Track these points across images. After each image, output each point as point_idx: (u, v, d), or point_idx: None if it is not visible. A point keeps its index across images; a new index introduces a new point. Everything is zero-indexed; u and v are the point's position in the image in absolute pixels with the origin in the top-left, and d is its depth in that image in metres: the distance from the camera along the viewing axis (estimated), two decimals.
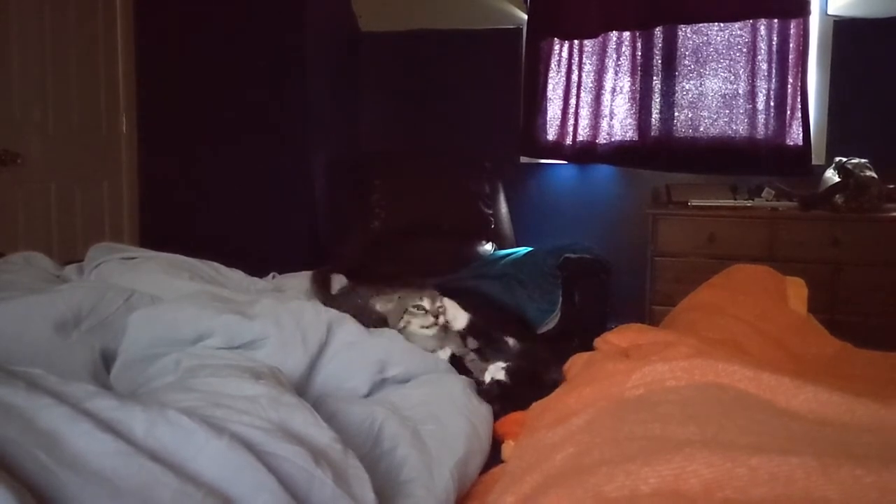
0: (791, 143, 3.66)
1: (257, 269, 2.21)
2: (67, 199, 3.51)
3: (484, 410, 1.39)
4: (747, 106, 3.74)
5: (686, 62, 3.81)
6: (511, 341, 1.69)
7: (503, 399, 1.46)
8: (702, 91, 3.81)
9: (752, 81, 3.71)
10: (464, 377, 1.52)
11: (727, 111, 3.78)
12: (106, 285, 1.63)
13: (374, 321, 1.66)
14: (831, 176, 3.42)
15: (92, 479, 0.72)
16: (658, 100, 3.86)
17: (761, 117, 3.72)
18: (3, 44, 3.12)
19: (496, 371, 1.53)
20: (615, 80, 3.93)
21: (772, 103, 3.69)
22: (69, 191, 3.52)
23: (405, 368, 1.46)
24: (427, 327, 1.66)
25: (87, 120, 3.63)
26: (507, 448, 1.28)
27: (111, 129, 3.79)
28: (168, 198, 3.94)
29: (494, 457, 1.28)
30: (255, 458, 0.82)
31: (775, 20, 3.63)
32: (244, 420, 0.90)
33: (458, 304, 1.79)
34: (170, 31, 3.87)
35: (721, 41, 3.74)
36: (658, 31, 3.82)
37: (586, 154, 4.01)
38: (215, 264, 2.05)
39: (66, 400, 0.79)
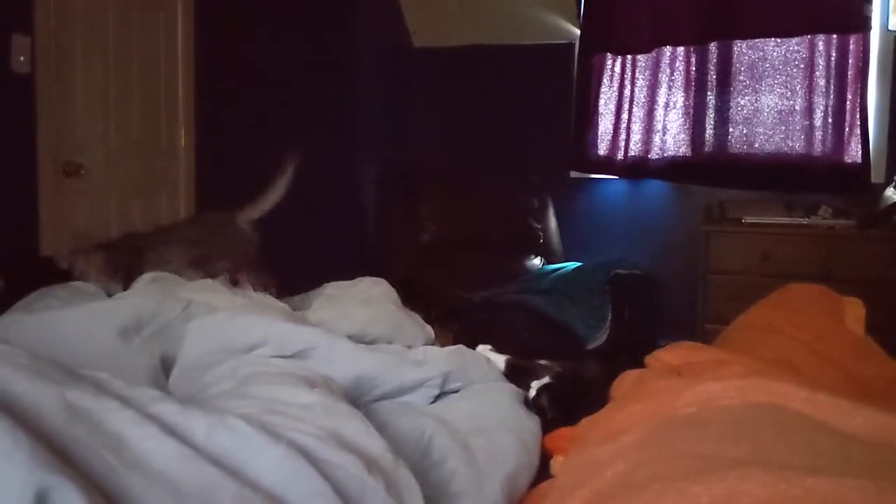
0: (849, 161, 3.58)
1: (307, 279, 2.24)
2: (127, 210, 3.61)
3: (532, 425, 1.39)
4: (804, 122, 3.67)
5: (741, 77, 3.76)
6: (545, 362, 1.70)
7: (553, 403, 1.47)
8: (757, 107, 3.76)
9: (810, 97, 3.64)
10: (512, 387, 1.53)
11: (783, 127, 3.72)
12: (165, 294, 1.68)
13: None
14: (891, 194, 3.35)
15: (155, 480, 0.75)
16: (712, 115, 3.82)
17: (818, 134, 3.65)
18: (69, 61, 3.23)
19: (539, 383, 1.54)
20: (668, 95, 3.90)
21: (829, 120, 3.62)
22: (129, 201, 3.62)
23: (464, 383, 1.48)
24: None
25: (148, 134, 3.73)
26: (557, 463, 1.28)
27: (170, 143, 3.89)
28: (223, 208, 4.02)
29: (543, 472, 1.28)
30: (311, 465, 0.84)
31: (834, 36, 3.56)
32: (299, 427, 0.92)
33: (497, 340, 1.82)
34: (228, 48, 3.97)
35: (777, 57, 3.69)
36: (713, 47, 3.78)
37: (638, 169, 3.99)
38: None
39: (131, 404, 0.82)
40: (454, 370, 1.47)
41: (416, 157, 4.46)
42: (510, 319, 2.97)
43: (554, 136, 4.18)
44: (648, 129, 3.93)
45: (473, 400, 1.45)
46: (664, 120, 3.92)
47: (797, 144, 3.70)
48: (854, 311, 1.75)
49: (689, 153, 3.87)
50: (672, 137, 3.92)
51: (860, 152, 3.54)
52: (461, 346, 1.63)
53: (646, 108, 3.94)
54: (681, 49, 3.85)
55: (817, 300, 1.77)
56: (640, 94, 3.95)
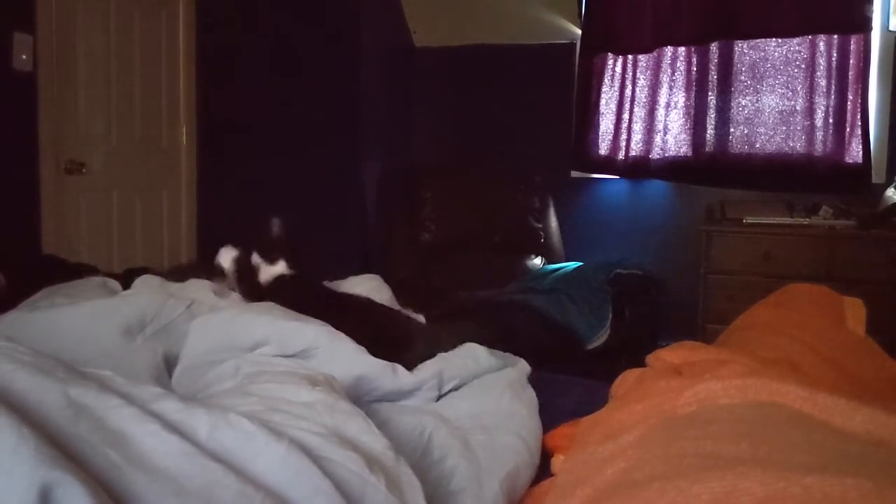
0: (850, 161, 3.59)
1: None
2: (128, 208, 3.62)
3: (533, 424, 1.39)
4: (805, 122, 3.68)
5: (742, 78, 3.77)
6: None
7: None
8: (758, 107, 3.76)
9: (811, 98, 3.65)
10: (511, 380, 1.53)
11: (784, 128, 3.73)
12: (168, 292, 1.68)
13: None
14: (892, 195, 3.35)
15: (158, 477, 0.75)
16: (713, 115, 3.83)
17: (819, 134, 3.65)
18: (71, 59, 3.24)
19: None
20: (669, 95, 3.91)
21: (830, 120, 3.62)
22: (130, 199, 3.63)
23: (460, 380, 1.48)
24: None
25: (149, 132, 3.74)
26: (557, 462, 1.28)
27: (171, 141, 3.90)
28: (224, 207, 4.04)
29: (544, 470, 1.28)
30: (312, 463, 0.84)
31: (835, 36, 3.57)
32: (301, 425, 0.92)
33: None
34: (228, 47, 3.98)
35: (779, 57, 3.69)
36: (714, 47, 3.79)
37: (639, 169, 3.99)
38: None
39: (134, 401, 0.82)
40: (444, 368, 1.47)
41: (418, 156, 4.47)
42: (511, 319, 2.98)
43: (555, 136, 4.19)
44: (649, 129, 3.94)
45: (474, 398, 1.45)
46: (665, 120, 3.92)
47: (798, 145, 3.70)
48: (855, 312, 1.75)
49: (690, 153, 3.88)
50: (673, 137, 3.92)
51: (861, 153, 3.55)
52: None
53: (647, 108, 3.94)
54: (682, 49, 3.86)
55: (818, 300, 1.77)
56: (642, 94, 3.95)
